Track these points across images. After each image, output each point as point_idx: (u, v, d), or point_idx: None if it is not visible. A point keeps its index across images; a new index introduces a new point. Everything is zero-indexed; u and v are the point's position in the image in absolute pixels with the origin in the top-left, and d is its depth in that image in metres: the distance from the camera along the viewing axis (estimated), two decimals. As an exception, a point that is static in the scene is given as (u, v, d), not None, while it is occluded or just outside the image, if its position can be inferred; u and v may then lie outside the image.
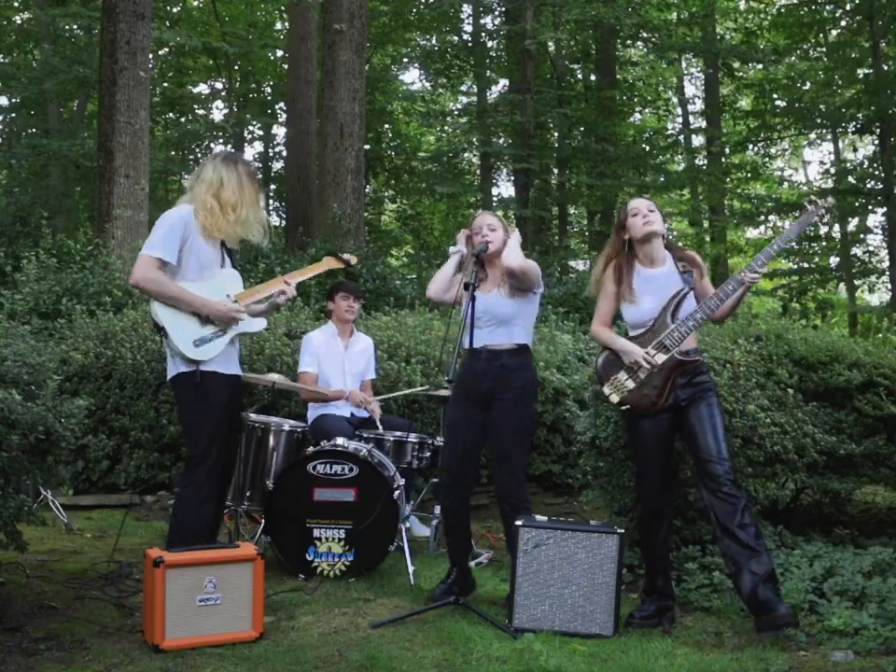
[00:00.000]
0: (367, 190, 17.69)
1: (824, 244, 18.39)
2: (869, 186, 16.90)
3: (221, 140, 20.37)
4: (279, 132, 20.63)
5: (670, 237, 3.97)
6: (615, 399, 3.87)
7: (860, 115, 16.03)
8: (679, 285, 3.84)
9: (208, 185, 3.90)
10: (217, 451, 3.82)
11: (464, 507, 4.13)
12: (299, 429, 5.08)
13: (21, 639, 3.40)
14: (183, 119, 20.81)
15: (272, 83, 20.72)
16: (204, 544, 3.68)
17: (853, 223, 18.77)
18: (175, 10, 19.67)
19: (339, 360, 5.60)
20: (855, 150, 21.24)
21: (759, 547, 3.57)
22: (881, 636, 3.41)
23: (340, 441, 4.66)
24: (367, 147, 15.51)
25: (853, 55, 16.49)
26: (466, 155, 20.43)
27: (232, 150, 4.32)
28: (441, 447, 5.26)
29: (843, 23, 17.03)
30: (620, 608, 3.73)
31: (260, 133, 21.46)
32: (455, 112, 21.47)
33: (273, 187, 20.56)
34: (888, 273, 16.86)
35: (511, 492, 4.03)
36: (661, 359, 3.75)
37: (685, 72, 20.67)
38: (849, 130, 17.96)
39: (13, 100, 18.11)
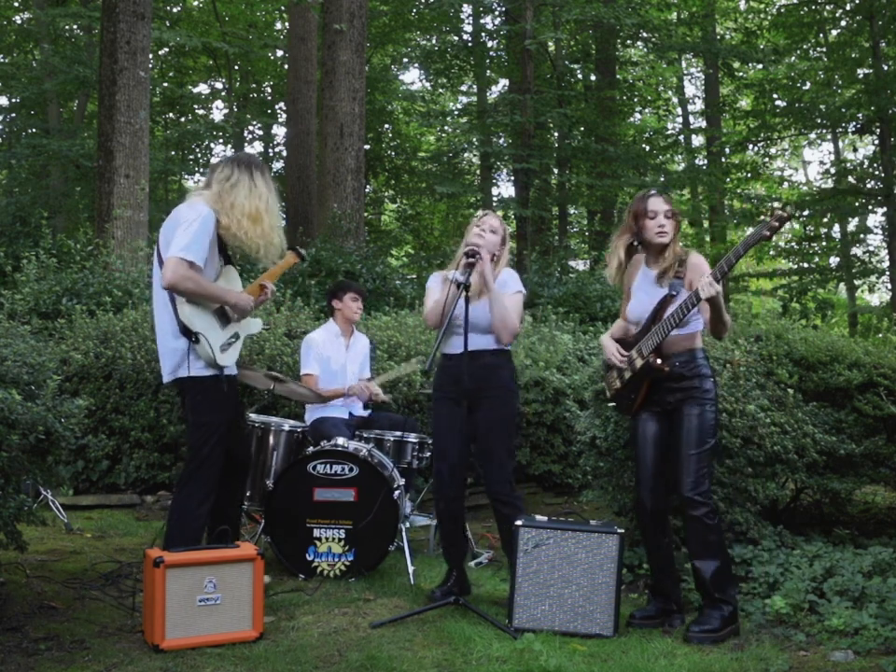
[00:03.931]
0: (367, 190, 17.67)
1: (824, 244, 18.39)
2: (869, 186, 16.89)
3: (221, 140, 20.38)
4: (279, 132, 20.67)
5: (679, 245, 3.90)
6: (608, 394, 4.04)
7: (860, 115, 16.02)
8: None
9: (238, 190, 3.82)
10: (221, 450, 3.84)
11: (456, 509, 4.09)
12: (299, 429, 5.08)
13: (21, 639, 3.41)
14: (183, 119, 20.82)
15: (272, 83, 20.73)
16: (200, 544, 3.68)
17: (853, 223, 18.76)
18: (175, 10, 19.70)
19: (342, 359, 5.59)
20: (855, 150, 21.23)
21: None
22: (881, 636, 3.41)
23: (340, 440, 4.66)
24: (367, 147, 15.49)
25: (853, 55, 16.47)
26: (466, 155, 20.43)
27: (258, 157, 4.20)
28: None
29: (843, 23, 17.02)
30: (620, 608, 3.73)
31: (260, 132, 21.47)
32: (455, 112, 21.46)
33: (272, 187, 20.52)
34: (888, 272, 16.84)
35: (500, 489, 4.03)
36: (639, 364, 3.78)
37: (685, 72, 20.68)
38: (849, 130, 17.95)
39: (13, 100, 18.11)
